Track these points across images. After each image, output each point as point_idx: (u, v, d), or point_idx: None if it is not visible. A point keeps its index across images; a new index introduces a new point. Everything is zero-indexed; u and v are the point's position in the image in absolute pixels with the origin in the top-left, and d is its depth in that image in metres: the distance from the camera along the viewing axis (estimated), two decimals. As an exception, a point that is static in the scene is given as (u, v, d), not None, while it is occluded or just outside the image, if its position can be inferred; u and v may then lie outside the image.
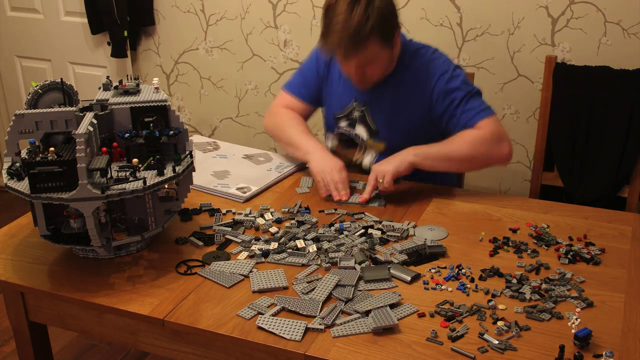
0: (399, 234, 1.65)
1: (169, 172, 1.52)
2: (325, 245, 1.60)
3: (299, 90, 2.12)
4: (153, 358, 2.45)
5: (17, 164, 1.50)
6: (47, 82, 1.64)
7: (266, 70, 3.00)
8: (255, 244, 1.63)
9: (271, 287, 1.45)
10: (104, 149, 1.51)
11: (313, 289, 1.43)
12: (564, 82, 2.27)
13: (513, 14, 2.46)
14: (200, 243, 1.64)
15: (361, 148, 2.05)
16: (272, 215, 1.77)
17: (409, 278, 1.47)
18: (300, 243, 1.61)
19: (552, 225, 1.71)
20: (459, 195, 1.89)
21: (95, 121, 1.50)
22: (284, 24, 2.87)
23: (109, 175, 1.46)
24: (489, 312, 1.36)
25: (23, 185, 1.45)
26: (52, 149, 1.45)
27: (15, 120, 1.54)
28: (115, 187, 1.43)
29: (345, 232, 1.67)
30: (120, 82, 1.66)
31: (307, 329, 1.32)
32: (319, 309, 1.37)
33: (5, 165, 1.52)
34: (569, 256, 1.55)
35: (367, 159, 2.04)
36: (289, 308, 1.38)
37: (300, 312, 1.37)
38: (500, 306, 1.38)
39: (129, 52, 3.19)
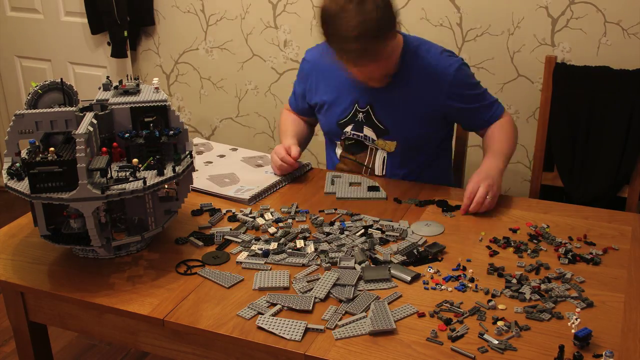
0: (397, 234, 1.66)
1: (169, 172, 1.52)
2: (325, 246, 1.60)
3: (295, 104, 2.23)
4: (153, 358, 2.45)
5: (17, 164, 1.51)
6: (47, 82, 1.64)
7: (266, 70, 3.00)
8: (255, 244, 1.63)
9: (272, 286, 1.45)
10: (104, 149, 1.52)
11: (312, 288, 1.44)
12: (564, 82, 2.27)
13: (513, 14, 2.46)
14: (200, 243, 1.64)
15: (371, 150, 2.05)
16: (272, 215, 1.77)
17: (409, 278, 1.47)
18: (299, 243, 1.62)
19: (552, 225, 1.71)
20: (459, 195, 1.89)
21: (95, 121, 1.50)
22: (284, 24, 2.87)
23: (109, 175, 1.46)
24: (489, 313, 1.36)
25: (23, 185, 1.45)
26: (52, 149, 1.45)
27: (15, 120, 1.54)
28: (115, 187, 1.43)
29: (346, 232, 1.67)
30: (120, 82, 1.66)
31: (307, 329, 1.32)
32: (312, 303, 1.38)
33: (5, 165, 1.52)
34: (569, 256, 1.55)
35: (377, 163, 2.04)
36: (281, 303, 1.38)
37: (294, 307, 1.37)
38: (500, 306, 1.38)
39: (129, 52, 3.19)
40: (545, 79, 2.29)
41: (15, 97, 3.65)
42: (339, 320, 1.35)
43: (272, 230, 1.69)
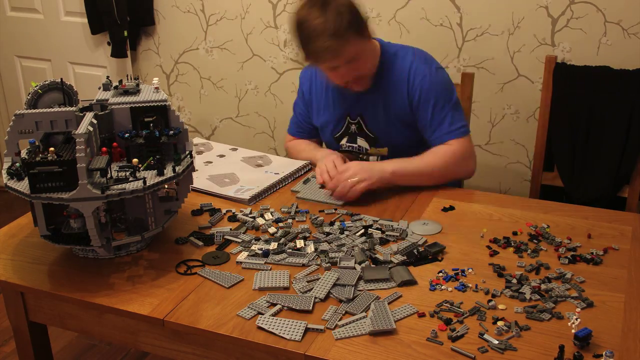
0: (397, 234, 1.66)
1: (169, 172, 1.52)
2: (325, 246, 1.60)
3: (297, 132, 2.24)
4: (153, 358, 2.45)
5: (17, 164, 1.50)
6: (47, 82, 1.64)
7: (266, 70, 3.00)
8: (255, 244, 1.63)
9: (272, 286, 1.45)
10: (104, 149, 1.51)
11: (312, 288, 1.44)
12: (564, 82, 2.27)
13: (513, 14, 2.46)
14: (200, 243, 1.64)
15: (361, 158, 2.10)
16: (272, 215, 1.77)
17: (399, 280, 1.47)
18: (299, 243, 1.62)
19: (552, 225, 1.71)
20: (459, 195, 1.89)
21: (95, 121, 1.50)
22: (284, 23, 2.87)
23: (109, 175, 1.46)
24: (489, 313, 1.36)
25: (23, 185, 1.45)
26: (52, 149, 1.45)
27: (15, 120, 1.54)
28: (115, 187, 1.43)
29: (346, 232, 1.67)
30: (120, 82, 1.66)
31: (307, 329, 1.32)
32: (312, 303, 1.38)
33: (5, 165, 1.52)
34: (569, 256, 1.55)
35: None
36: (281, 303, 1.38)
37: (294, 307, 1.37)
38: (500, 306, 1.38)
39: (129, 52, 3.19)
40: (545, 79, 2.29)
41: (15, 97, 3.65)
42: (339, 320, 1.34)
43: (272, 230, 1.69)
